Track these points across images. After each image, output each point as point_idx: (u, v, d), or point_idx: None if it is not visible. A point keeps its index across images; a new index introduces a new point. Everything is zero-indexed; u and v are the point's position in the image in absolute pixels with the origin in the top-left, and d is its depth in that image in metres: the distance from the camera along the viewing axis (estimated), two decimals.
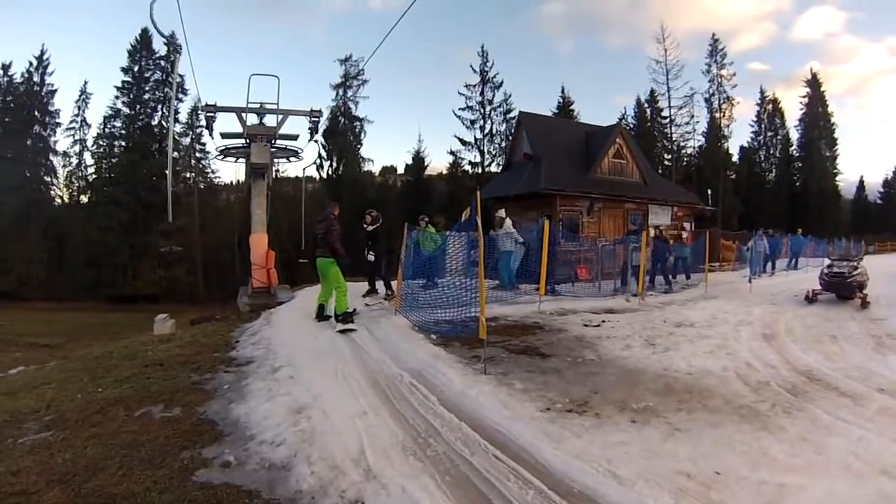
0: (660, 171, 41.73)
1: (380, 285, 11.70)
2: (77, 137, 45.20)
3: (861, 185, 61.48)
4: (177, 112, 45.78)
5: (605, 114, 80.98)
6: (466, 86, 50.33)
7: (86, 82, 45.65)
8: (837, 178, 55.22)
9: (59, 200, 46.48)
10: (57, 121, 44.76)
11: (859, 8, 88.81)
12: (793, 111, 56.65)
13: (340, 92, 49.26)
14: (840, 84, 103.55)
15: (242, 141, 12.71)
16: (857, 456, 3.89)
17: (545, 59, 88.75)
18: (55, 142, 45.05)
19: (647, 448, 4.00)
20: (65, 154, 45.45)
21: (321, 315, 9.05)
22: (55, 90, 44.52)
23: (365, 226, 11.32)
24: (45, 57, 43.80)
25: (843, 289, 11.71)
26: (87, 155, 45.49)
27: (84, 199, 45.83)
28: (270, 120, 12.72)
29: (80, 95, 45.29)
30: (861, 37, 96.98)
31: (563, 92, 53.76)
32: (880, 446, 4.09)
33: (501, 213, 12.64)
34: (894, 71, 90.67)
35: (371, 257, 11.31)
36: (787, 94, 63.78)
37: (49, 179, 45.26)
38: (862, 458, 3.87)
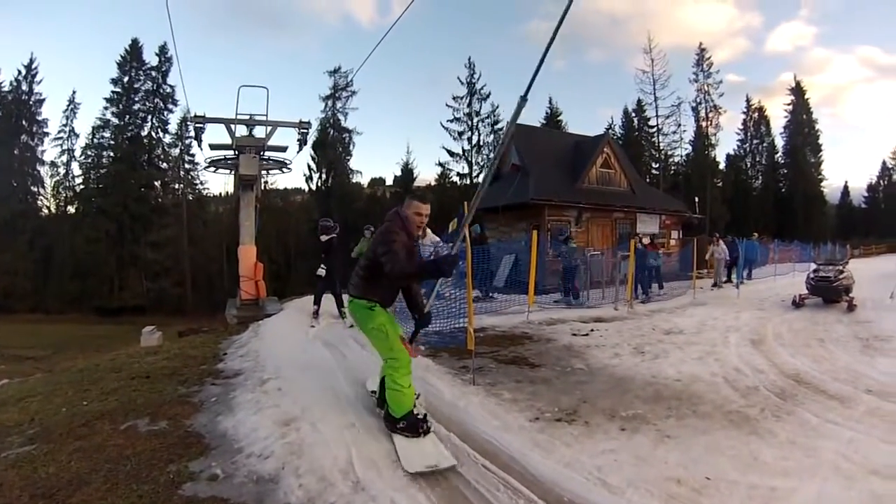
0: (647, 180, 42.01)
1: (330, 304, 10.58)
2: (65, 147, 44.95)
3: (846, 191, 62.50)
4: (166, 123, 45.72)
5: (593, 124, 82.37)
6: (454, 98, 50.70)
7: (74, 92, 45.67)
8: (822, 184, 56.03)
9: (45, 211, 46.09)
10: (45, 130, 44.54)
11: (826, 22, 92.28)
12: (773, 120, 57.57)
13: (329, 104, 49.38)
14: (815, 94, 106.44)
15: (231, 152, 12.68)
16: (846, 458, 3.92)
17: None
18: (43, 151, 44.84)
19: (637, 455, 4.00)
20: (52, 164, 45.17)
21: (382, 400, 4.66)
22: (43, 99, 44.39)
23: (323, 237, 10.53)
24: (33, 66, 43.63)
25: (829, 292, 11.85)
26: (74, 165, 45.22)
27: (71, 209, 45.49)
28: (259, 131, 12.72)
29: (68, 105, 45.13)
30: (831, 49, 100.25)
31: (550, 103, 54.34)
32: (870, 447, 4.13)
33: None
34: (866, 81, 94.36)
35: (321, 272, 10.31)
36: (764, 105, 64.96)
37: (36, 189, 44.92)
38: (852, 459, 3.90)
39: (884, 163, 61.35)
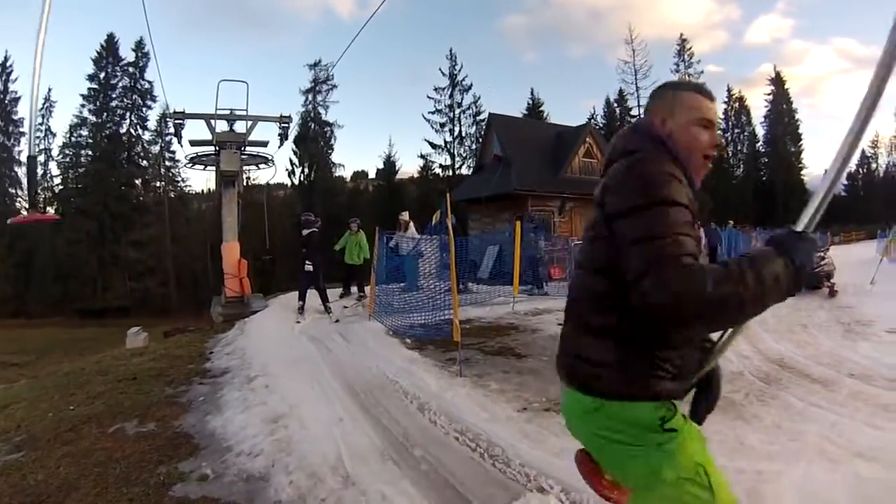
0: None
1: (315, 300, 10.54)
2: (42, 147, 44.04)
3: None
4: (145, 120, 45.15)
5: (575, 115, 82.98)
6: (436, 89, 50.55)
7: (50, 89, 44.64)
8: (802, 172, 56.66)
9: (24, 213, 45.14)
10: (21, 130, 43.54)
11: (803, 15, 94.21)
12: (753, 110, 58.17)
13: (310, 97, 49.09)
14: (793, 85, 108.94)
15: (212, 148, 12.57)
16: (830, 440, 3.97)
17: (513, 66, 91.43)
18: (19, 152, 43.85)
19: None
20: None
21: None
22: (19, 97, 43.45)
23: (304, 231, 10.41)
24: (8, 64, 42.84)
25: (811, 279, 11.98)
26: (52, 165, 44.38)
27: (50, 210, 44.70)
28: (240, 127, 12.61)
29: (44, 103, 44.10)
30: (808, 41, 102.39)
31: (532, 94, 54.55)
32: (853, 430, 4.17)
33: (405, 216, 12.51)
34: (843, 72, 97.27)
35: (309, 267, 10.19)
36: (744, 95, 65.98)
37: (13, 191, 43.99)
38: (836, 442, 3.94)
39: (863, 152, 62.28)
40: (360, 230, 12.31)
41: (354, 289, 12.49)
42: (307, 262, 10.12)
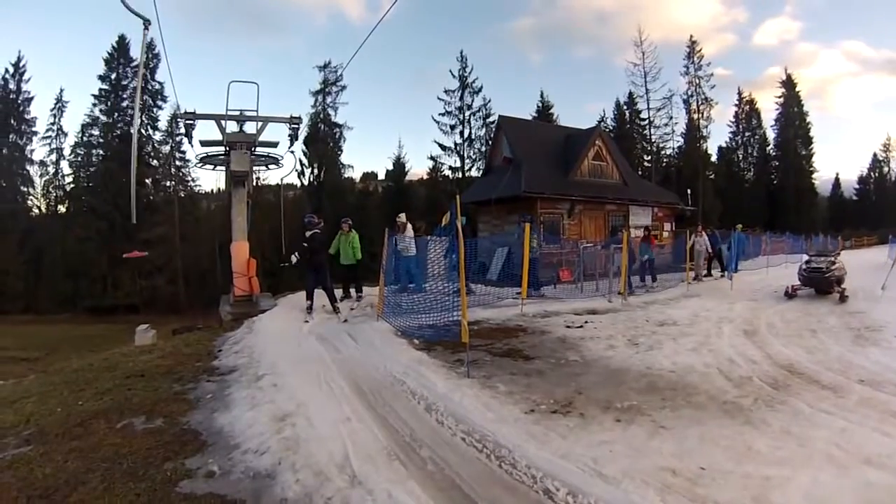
0: (639, 173, 42.07)
1: (324, 299, 10.62)
2: (53, 146, 44.36)
3: (837, 183, 62.80)
4: (155, 120, 45.35)
5: (583, 118, 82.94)
6: (446, 91, 50.37)
7: (62, 90, 45.05)
8: (814, 176, 56.19)
9: (36, 210, 45.56)
10: (33, 129, 43.87)
11: (811, 17, 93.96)
12: (764, 113, 57.69)
13: (320, 98, 49.08)
14: (802, 88, 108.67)
15: (222, 148, 12.60)
16: (839, 447, 3.94)
17: (522, 69, 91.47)
18: (31, 151, 44.19)
19: (632, 446, 4.01)
20: (41, 163, 44.60)
21: None
22: (31, 98, 43.74)
23: (307, 232, 10.44)
24: (21, 64, 43.13)
25: (821, 284, 11.91)
26: (64, 164, 44.61)
27: (62, 208, 45.02)
28: (250, 127, 12.63)
29: (55, 103, 44.57)
30: (816, 43, 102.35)
31: (542, 96, 54.23)
32: (862, 436, 4.15)
33: (402, 217, 12.46)
34: (852, 74, 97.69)
35: (294, 258, 10.43)
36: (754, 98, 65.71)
37: (26, 189, 44.28)
38: (845, 448, 3.92)
39: (874, 155, 61.72)
40: (351, 230, 12.33)
41: (353, 290, 12.50)
42: (295, 254, 10.33)
